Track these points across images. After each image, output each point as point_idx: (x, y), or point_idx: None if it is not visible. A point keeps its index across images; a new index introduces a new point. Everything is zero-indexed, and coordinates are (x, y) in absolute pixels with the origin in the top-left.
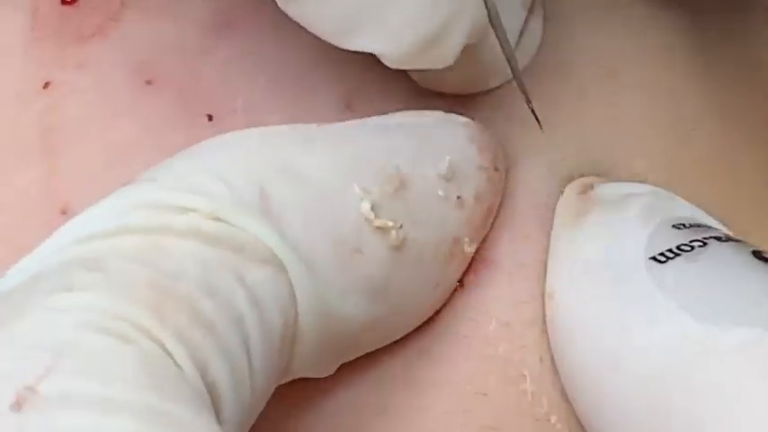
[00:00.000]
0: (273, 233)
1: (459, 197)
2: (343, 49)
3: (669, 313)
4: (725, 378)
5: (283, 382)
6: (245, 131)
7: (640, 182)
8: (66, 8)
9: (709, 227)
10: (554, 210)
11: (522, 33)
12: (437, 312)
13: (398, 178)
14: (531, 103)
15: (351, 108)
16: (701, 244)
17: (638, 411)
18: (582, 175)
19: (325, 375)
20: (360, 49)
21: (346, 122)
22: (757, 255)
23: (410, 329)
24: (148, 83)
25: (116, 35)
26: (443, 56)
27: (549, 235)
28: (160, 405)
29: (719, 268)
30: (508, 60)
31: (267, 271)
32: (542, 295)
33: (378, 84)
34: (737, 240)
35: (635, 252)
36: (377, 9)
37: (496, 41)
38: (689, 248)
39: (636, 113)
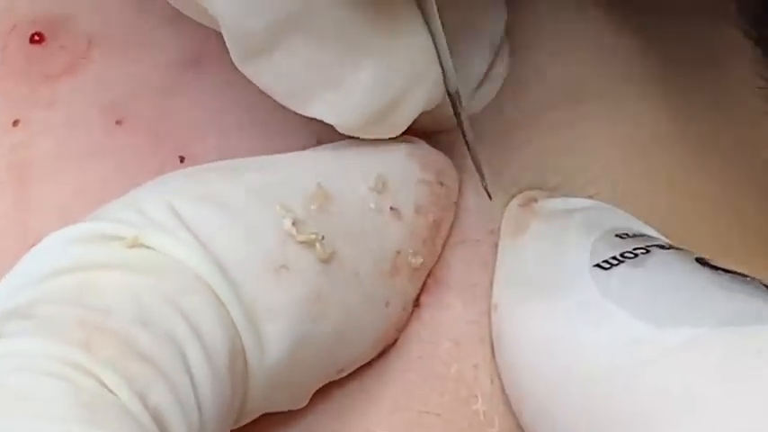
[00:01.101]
0: (196, 254)
1: (392, 208)
2: None
3: (613, 317)
4: (669, 377)
5: (250, 418)
6: (179, 171)
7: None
8: (34, 47)
9: (651, 236)
10: None
11: (486, 76)
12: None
13: (322, 194)
14: (484, 178)
15: (323, 143)
16: (645, 251)
17: (584, 414)
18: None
19: (299, 407)
20: (314, 116)
21: (276, 155)
22: (701, 261)
23: (373, 351)
24: (118, 123)
25: (85, 74)
26: (395, 126)
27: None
28: None
29: (663, 273)
30: (468, 148)
31: (200, 295)
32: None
33: None
34: (680, 249)
35: (578, 260)
36: (332, 80)
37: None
38: (632, 255)
39: (595, 137)
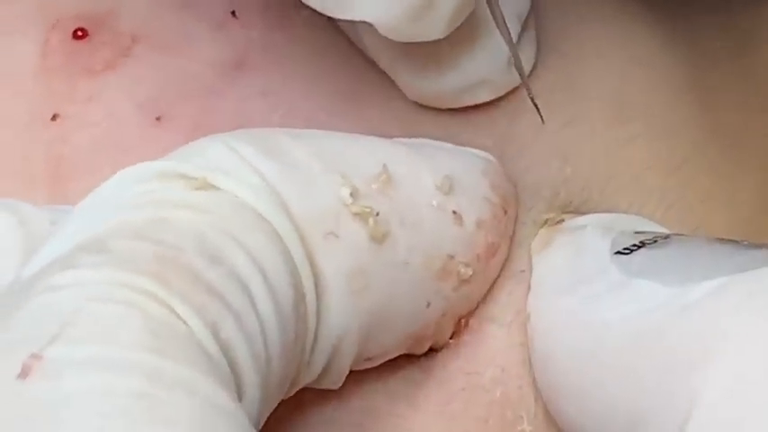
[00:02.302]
0: (262, 196)
1: (455, 212)
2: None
3: (638, 289)
4: (699, 323)
5: (300, 385)
6: (245, 129)
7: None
8: (76, 42)
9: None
10: None
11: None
12: (431, 372)
13: (386, 176)
14: (531, 93)
15: None
16: (665, 237)
17: (619, 382)
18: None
19: (334, 387)
20: (356, 18)
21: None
22: (722, 240)
23: (402, 347)
24: (158, 119)
25: (126, 71)
26: (436, 24)
27: None
28: (166, 365)
29: (684, 248)
30: (505, 40)
31: (263, 235)
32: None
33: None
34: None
35: (599, 252)
36: None
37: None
38: (652, 241)
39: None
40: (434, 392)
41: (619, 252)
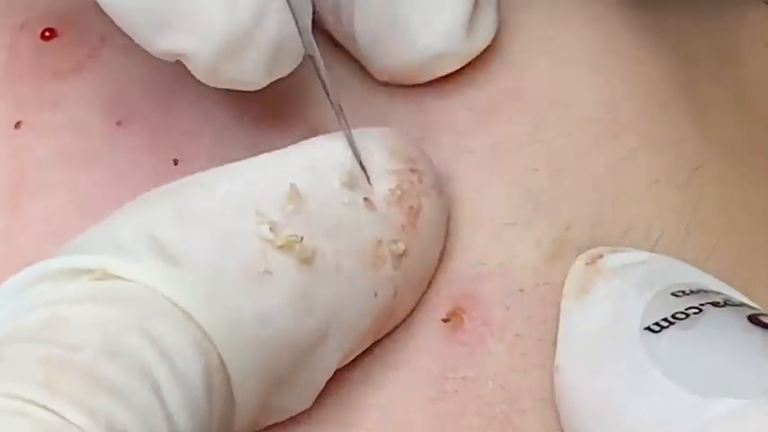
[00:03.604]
0: (166, 278)
1: (366, 199)
2: None
3: (661, 387)
4: None
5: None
6: (155, 190)
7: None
8: (45, 43)
9: (709, 291)
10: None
11: (471, 20)
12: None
13: (296, 195)
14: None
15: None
16: (697, 311)
17: None
18: (588, 247)
19: (304, 407)
20: (170, 49)
21: (247, 159)
22: (753, 319)
23: (371, 339)
24: (119, 124)
25: (92, 73)
26: (253, 66)
27: (547, 306)
28: None
29: (713, 336)
30: (322, 82)
31: (168, 318)
32: (535, 366)
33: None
34: (735, 305)
35: (631, 323)
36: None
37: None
38: (684, 316)
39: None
40: (423, 384)
41: (649, 328)
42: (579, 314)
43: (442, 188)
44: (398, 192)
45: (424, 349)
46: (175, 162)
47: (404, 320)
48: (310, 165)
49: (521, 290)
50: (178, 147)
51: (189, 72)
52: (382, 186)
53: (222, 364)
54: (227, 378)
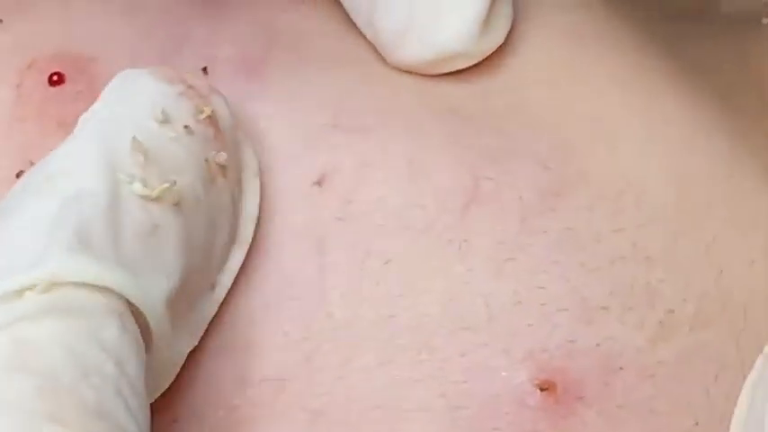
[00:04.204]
0: (103, 271)
1: (185, 126)
2: None
3: None
4: None
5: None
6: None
7: None
8: (52, 89)
9: None
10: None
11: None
12: None
13: (140, 146)
14: None
15: None
16: None
17: None
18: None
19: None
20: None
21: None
22: None
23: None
24: None
25: None
26: None
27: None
28: None
29: None
30: None
31: (115, 320)
32: None
33: None
34: None
35: None
36: None
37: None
38: None
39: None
40: None
41: None
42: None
43: (213, 86)
44: (194, 109)
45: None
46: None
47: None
48: (130, 115)
49: (621, 368)
50: None
51: None
52: (183, 110)
53: (149, 331)
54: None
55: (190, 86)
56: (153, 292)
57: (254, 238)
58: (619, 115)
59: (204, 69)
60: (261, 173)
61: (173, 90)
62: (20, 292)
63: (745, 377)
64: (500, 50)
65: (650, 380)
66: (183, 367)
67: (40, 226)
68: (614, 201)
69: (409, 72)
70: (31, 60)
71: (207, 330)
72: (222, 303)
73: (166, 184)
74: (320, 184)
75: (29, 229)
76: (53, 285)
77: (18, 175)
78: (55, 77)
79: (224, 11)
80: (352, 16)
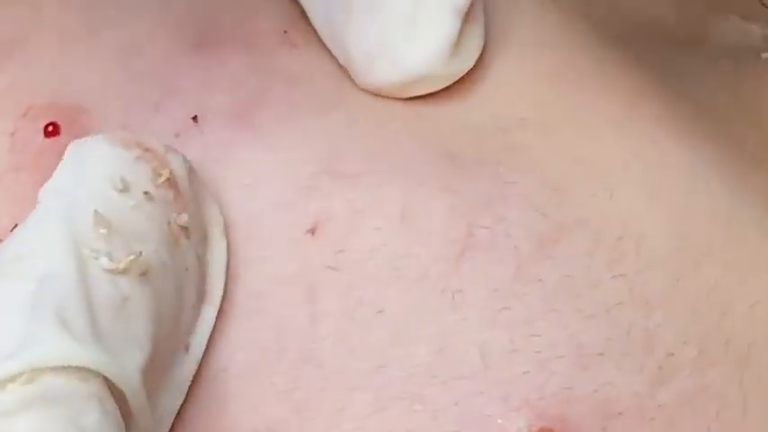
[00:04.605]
0: (71, 346)
1: (145, 192)
2: None
3: None
4: None
5: None
6: None
7: None
8: (47, 140)
9: None
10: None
11: (458, 41)
12: None
13: (101, 218)
14: None
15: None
16: None
17: None
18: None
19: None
20: None
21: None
22: None
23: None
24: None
25: None
26: None
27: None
28: None
29: None
30: None
31: (95, 405)
32: None
33: None
34: None
35: None
36: None
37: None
38: None
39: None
40: None
41: None
42: None
43: (169, 146)
44: (152, 173)
45: None
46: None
47: None
48: (89, 187)
49: (620, 413)
50: None
51: None
52: (139, 176)
53: (127, 403)
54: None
55: (146, 149)
56: (129, 367)
57: (242, 286)
58: (615, 158)
59: (194, 118)
60: (253, 219)
61: (129, 155)
62: (2, 384)
63: (746, 417)
64: (491, 88)
65: (650, 423)
66: (174, 423)
67: (13, 309)
68: (613, 247)
69: (400, 110)
70: (27, 108)
71: (195, 384)
72: (211, 355)
73: (132, 256)
74: (313, 232)
75: (1, 314)
76: (34, 372)
77: (12, 230)
78: (50, 128)
79: (217, 56)
80: (325, 40)
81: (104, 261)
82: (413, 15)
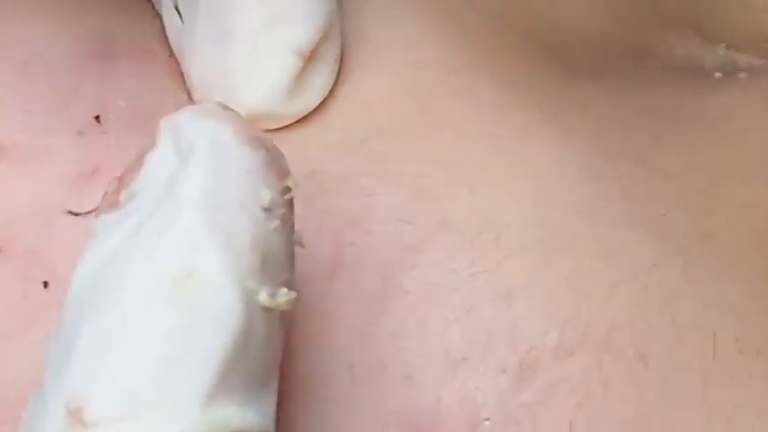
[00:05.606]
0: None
1: (284, 212)
2: None
3: None
4: None
5: None
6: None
7: None
8: None
9: None
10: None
11: (299, 83)
12: None
13: (259, 244)
14: None
15: None
16: None
17: None
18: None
19: None
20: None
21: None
22: None
23: None
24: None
25: None
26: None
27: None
28: None
29: None
30: None
31: None
32: None
33: None
34: None
35: None
36: None
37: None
38: None
39: None
40: None
41: None
42: None
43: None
44: (280, 185)
45: None
46: (45, 284)
47: None
48: (235, 198)
49: (486, 419)
50: (53, 268)
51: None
52: (273, 188)
53: None
54: None
55: (268, 149)
56: (269, 414)
57: None
58: (476, 156)
59: (97, 118)
60: None
61: (258, 159)
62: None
63: (607, 404)
64: (348, 104)
65: (515, 426)
66: None
67: (168, 352)
68: (473, 244)
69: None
70: None
71: None
72: None
73: (294, 294)
74: None
75: (152, 351)
76: None
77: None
78: None
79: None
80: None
81: (264, 297)
82: (252, 53)
